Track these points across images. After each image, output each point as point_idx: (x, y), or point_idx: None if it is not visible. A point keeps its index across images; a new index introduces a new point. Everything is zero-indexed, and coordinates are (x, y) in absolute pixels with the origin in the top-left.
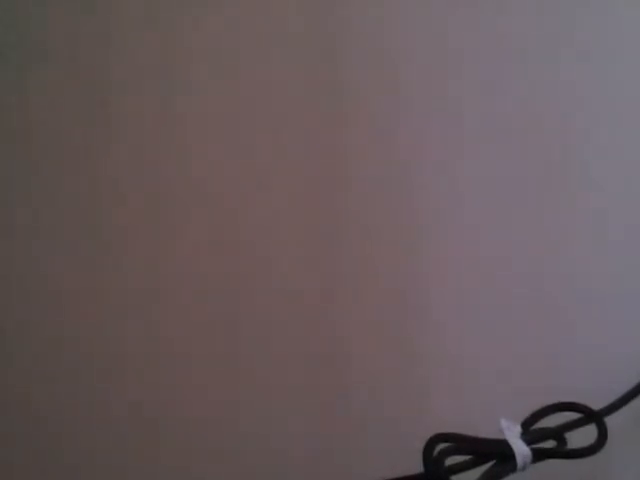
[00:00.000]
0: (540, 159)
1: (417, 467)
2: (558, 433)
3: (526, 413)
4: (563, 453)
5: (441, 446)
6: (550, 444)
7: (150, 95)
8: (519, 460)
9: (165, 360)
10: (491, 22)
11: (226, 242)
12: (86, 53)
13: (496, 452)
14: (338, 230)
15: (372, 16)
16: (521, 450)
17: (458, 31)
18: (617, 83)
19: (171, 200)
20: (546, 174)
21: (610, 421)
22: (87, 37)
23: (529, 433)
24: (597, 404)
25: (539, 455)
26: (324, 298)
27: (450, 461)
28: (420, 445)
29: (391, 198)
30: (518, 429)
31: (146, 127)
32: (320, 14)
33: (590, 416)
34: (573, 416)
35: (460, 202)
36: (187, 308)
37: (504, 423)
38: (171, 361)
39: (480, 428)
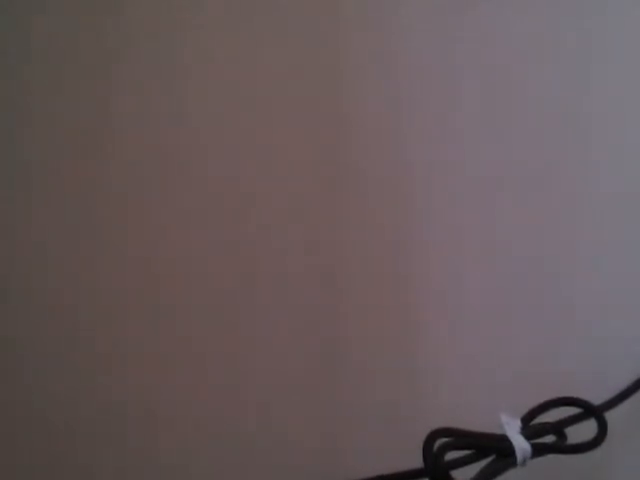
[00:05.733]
0: (543, 159)
1: (416, 462)
2: (558, 428)
3: (526, 408)
4: (563, 448)
5: (441, 441)
6: (550, 439)
7: (150, 95)
8: (519, 455)
9: (164, 359)
10: (491, 22)
11: (226, 241)
12: (86, 53)
13: (496, 447)
14: (339, 228)
15: (373, 16)
16: (521, 445)
17: (459, 31)
18: (619, 81)
19: (171, 199)
20: (548, 173)
21: (610, 416)
22: (88, 37)
23: (529, 428)
24: (597, 399)
25: (539, 450)
26: (324, 297)
27: (450, 456)
28: (420, 440)
29: (392, 198)
30: (518, 424)
31: (147, 127)
32: (322, 16)
33: (590, 411)
34: (573, 411)
35: (463, 200)
36: (186, 307)
37: (504, 418)
38: (170, 360)
39: (480, 423)
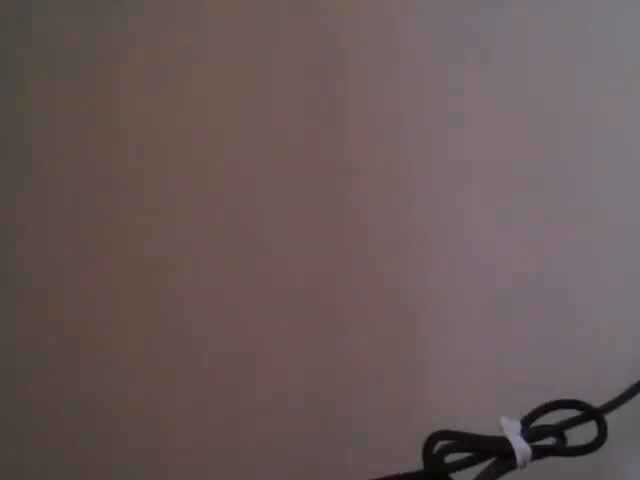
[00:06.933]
0: (541, 156)
1: (417, 464)
2: (558, 430)
3: (526, 411)
4: (563, 450)
5: (441, 443)
6: (550, 441)
7: (151, 96)
8: (519, 457)
9: (164, 360)
10: (491, 22)
11: (225, 241)
12: (86, 53)
13: (496, 449)
14: (339, 228)
15: (375, 19)
16: (521, 447)
17: (458, 31)
18: (619, 81)
19: (171, 199)
20: (546, 173)
21: (610, 419)
22: (88, 38)
23: (529, 431)
24: (597, 401)
25: (539, 452)
26: (325, 297)
27: (450, 458)
28: (420, 442)
29: (392, 197)
30: (518, 426)
31: (147, 127)
32: (323, 16)
33: (590, 413)
34: (573, 413)
35: (461, 202)
36: (186, 308)
37: (504, 420)
38: (170, 361)
39: (480, 426)
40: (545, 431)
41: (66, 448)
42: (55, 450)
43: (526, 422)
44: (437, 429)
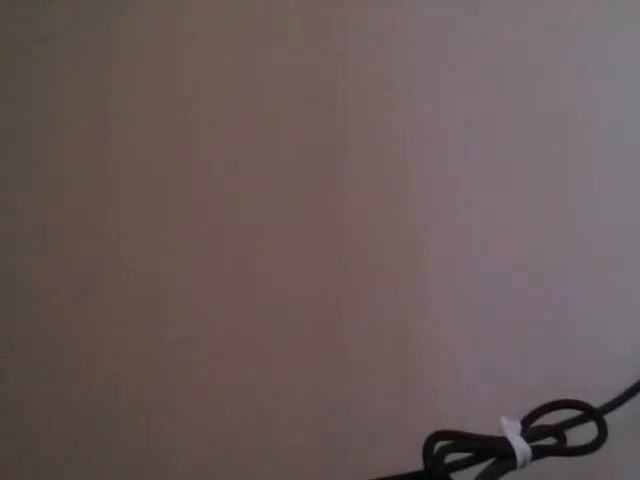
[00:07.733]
0: (541, 158)
1: (417, 464)
2: (558, 430)
3: (526, 411)
4: (563, 451)
5: (441, 443)
6: (550, 441)
7: (150, 96)
8: (519, 457)
9: (165, 362)
10: (492, 21)
11: (226, 244)
12: (86, 53)
13: (496, 449)
14: (338, 232)
15: (373, 13)
16: (521, 447)
17: (458, 31)
18: (618, 81)
19: (170, 201)
20: (547, 173)
21: (610, 419)
22: (87, 33)
23: (529, 431)
24: (597, 402)
25: (539, 452)
26: (325, 299)
27: (450, 458)
28: (420, 442)
29: (391, 199)
30: (518, 426)
31: (147, 129)
32: (320, 15)
33: (590, 414)
34: (573, 414)
35: (462, 203)
36: (187, 310)
37: (504, 421)
38: (171, 363)
39: (480, 426)
40: (545, 431)
41: (66, 448)
42: (55, 450)
43: (526, 422)
44: (437, 429)
